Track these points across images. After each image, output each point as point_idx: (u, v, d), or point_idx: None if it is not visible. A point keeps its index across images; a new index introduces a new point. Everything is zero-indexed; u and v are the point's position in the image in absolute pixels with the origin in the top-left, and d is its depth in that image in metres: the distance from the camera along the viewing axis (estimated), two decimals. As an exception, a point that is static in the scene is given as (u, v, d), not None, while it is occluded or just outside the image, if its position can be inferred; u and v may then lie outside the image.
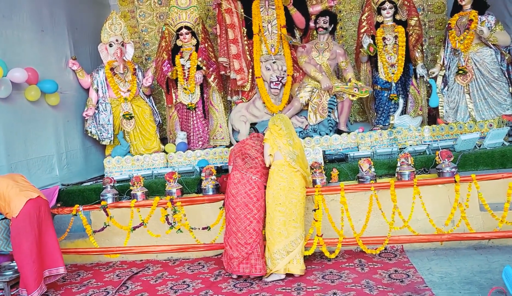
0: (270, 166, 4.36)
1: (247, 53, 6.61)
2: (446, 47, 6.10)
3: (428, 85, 6.32)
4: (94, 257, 5.19)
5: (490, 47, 5.73)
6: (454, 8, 6.07)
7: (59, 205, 5.41)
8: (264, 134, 4.68)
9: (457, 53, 5.91)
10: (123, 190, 5.35)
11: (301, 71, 6.55)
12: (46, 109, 5.75)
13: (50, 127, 5.81)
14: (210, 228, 4.75)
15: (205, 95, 6.70)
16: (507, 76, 5.72)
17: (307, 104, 6.39)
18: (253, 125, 6.60)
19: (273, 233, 4.13)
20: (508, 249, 4.32)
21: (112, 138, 6.52)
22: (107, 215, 4.85)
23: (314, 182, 4.73)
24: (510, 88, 5.72)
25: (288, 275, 4.14)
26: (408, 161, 4.68)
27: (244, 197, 4.24)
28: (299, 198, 4.23)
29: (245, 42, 6.61)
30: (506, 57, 5.73)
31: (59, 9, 6.22)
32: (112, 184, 5.21)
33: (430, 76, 6.18)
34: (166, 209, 4.76)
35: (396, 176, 4.74)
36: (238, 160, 4.47)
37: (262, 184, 4.32)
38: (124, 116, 6.47)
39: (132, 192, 5.10)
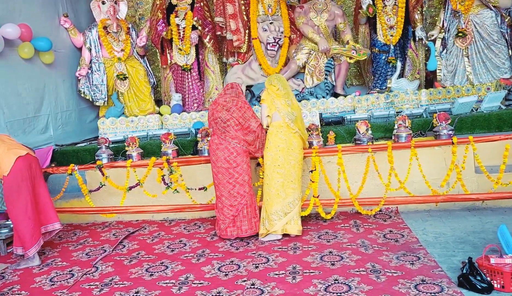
0: (267, 126, 4.32)
1: (244, 13, 6.45)
2: (446, 9, 5.99)
3: (427, 48, 6.25)
4: (90, 217, 5.20)
5: (491, 9, 5.65)
6: (455, -32, 5.93)
7: (53, 164, 5.37)
8: (256, 96, 4.60)
9: (457, 15, 5.81)
10: (118, 151, 5.31)
11: (298, 32, 6.43)
12: (40, 68, 5.66)
13: (45, 86, 5.73)
14: (206, 189, 4.76)
15: (200, 56, 6.58)
16: (507, 38, 5.66)
17: (304, 67, 6.32)
18: (249, 87, 6.51)
19: (270, 194, 4.14)
20: (501, 210, 4.38)
21: (106, 99, 6.42)
22: (103, 174, 4.83)
23: (311, 144, 4.71)
24: (510, 51, 5.67)
25: (284, 235, 4.17)
26: (405, 123, 4.66)
27: (224, 163, 4.18)
28: (297, 159, 4.21)
29: (242, 2, 6.44)
30: (506, 20, 5.66)
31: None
32: (107, 144, 5.16)
33: (429, 39, 6.10)
34: (162, 169, 4.74)
35: (393, 138, 4.73)
36: (212, 124, 4.33)
37: (241, 148, 4.21)
38: (118, 76, 6.35)
39: (127, 153, 5.05)
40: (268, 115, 4.28)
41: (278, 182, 4.12)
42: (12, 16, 5.15)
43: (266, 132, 4.31)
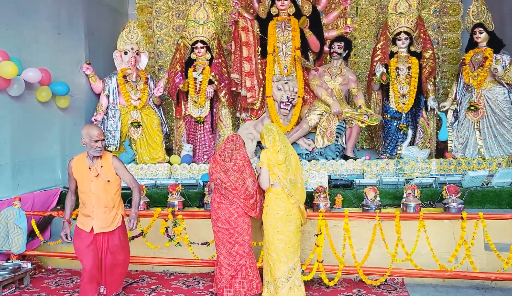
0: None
1: (260, 71, 6.62)
2: (459, 82, 6.10)
3: (438, 118, 6.31)
4: (90, 264, 5.10)
5: (503, 86, 5.73)
6: (469, 44, 6.09)
7: (59, 207, 5.37)
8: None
9: (469, 89, 5.90)
10: (125, 198, 5.28)
11: (312, 93, 6.55)
12: (55, 111, 5.78)
13: (57, 129, 5.83)
14: (209, 244, 4.68)
15: (214, 109, 6.69)
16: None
17: (315, 127, 6.38)
18: (259, 143, 6.56)
19: (273, 259, 4.01)
20: (511, 292, 4.23)
21: (118, 145, 6.51)
22: (107, 222, 4.78)
23: (318, 206, 4.68)
24: (521, 128, 5.69)
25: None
26: (414, 193, 4.63)
27: (224, 223, 4.10)
28: (297, 225, 4.06)
29: (259, 61, 6.63)
30: (519, 97, 5.71)
31: (77, 14, 6.32)
32: (114, 191, 5.15)
33: (441, 110, 6.17)
34: (167, 220, 4.71)
35: (401, 207, 4.68)
36: (213, 182, 4.21)
37: (243, 210, 4.11)
38: (132, 124, 6.47)
39: (133, 201, 5.03)
40: (272, 184, 4.05)
41: (279, 247, 3.99)
42: (34, 60, 5.32)
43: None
